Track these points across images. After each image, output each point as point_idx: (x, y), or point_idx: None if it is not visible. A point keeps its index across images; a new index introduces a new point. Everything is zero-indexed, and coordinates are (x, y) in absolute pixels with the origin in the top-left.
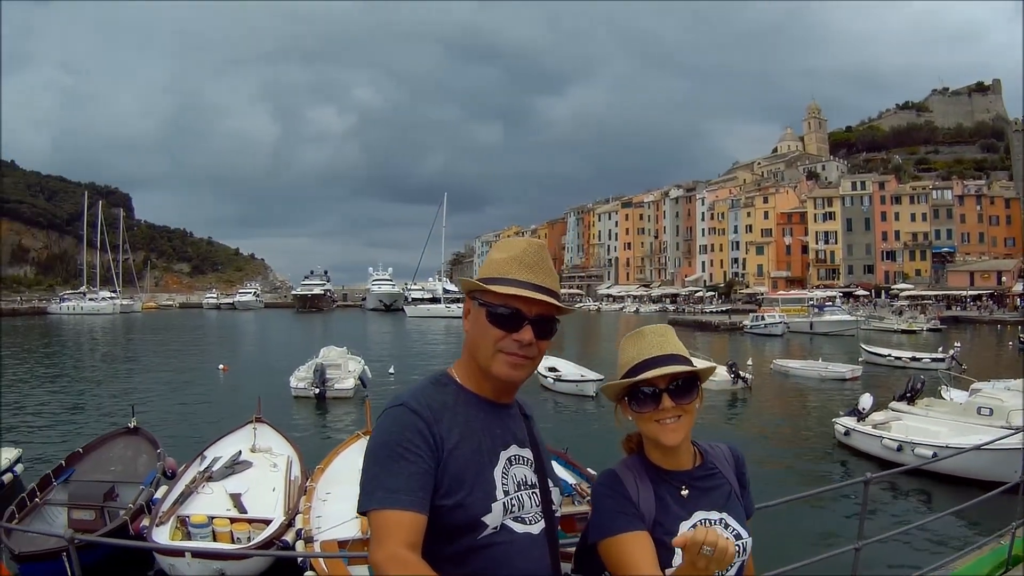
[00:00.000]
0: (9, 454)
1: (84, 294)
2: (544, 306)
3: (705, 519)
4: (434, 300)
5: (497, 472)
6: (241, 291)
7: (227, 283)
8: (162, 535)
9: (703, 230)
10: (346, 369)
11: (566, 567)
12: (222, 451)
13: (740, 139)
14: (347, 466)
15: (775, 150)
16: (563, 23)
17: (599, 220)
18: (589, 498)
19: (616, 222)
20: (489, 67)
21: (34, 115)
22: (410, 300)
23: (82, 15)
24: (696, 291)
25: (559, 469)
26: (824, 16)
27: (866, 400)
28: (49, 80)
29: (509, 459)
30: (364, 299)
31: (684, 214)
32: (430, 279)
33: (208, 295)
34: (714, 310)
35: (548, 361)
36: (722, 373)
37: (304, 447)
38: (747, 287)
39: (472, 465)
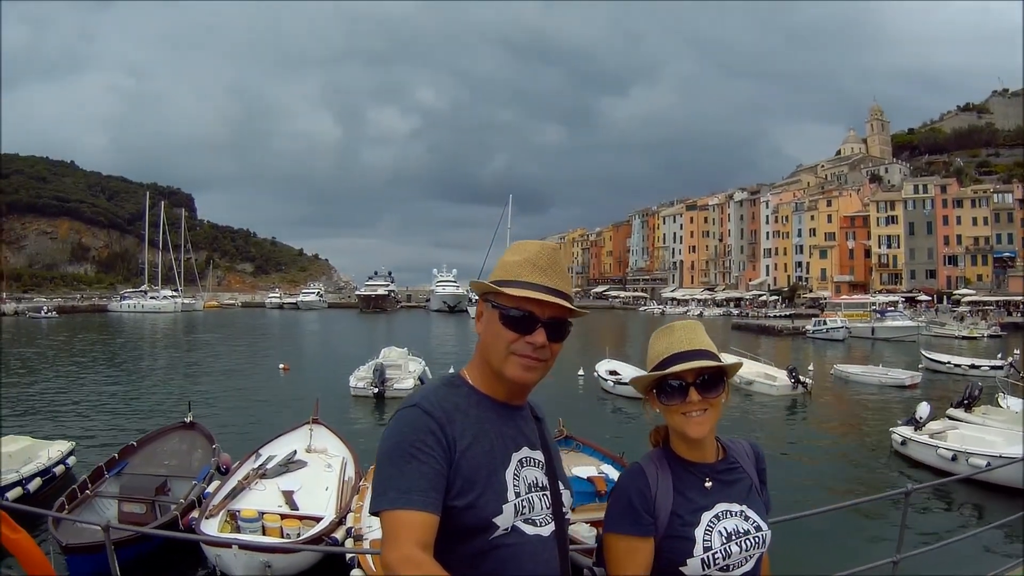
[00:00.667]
0: (61, 447)
1: (145, 292)
2: (557, 309)
3: (727, 510)
4: None
5: (508, 474)
6: (304, 291)
7: (291, 283)
8: (210, 528)
9: (767, 233)
10: (406, 370)
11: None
12: (277, 450)
13: (804, 141)
14: None
15: (838, 152)
16: (626, 24)
17: (664, 223)
18: None
19: (681, 225)
20: (552, 68)
21: (95, 117)
22: (474, 302)
23: (144, 18)
24: (760, 295)
25: (614, 473)
26: (882, 16)
27: (923, 409)
28: (110, 82)
29: (520, 461)
30: (428, 300)
31: (748, 217)
32: None
33: (271, 295)
34: (777, 314)
35: (609, 364)
36: (783, 378)
37: (360, 447)
38: (810, 291)
39: (484, 466)
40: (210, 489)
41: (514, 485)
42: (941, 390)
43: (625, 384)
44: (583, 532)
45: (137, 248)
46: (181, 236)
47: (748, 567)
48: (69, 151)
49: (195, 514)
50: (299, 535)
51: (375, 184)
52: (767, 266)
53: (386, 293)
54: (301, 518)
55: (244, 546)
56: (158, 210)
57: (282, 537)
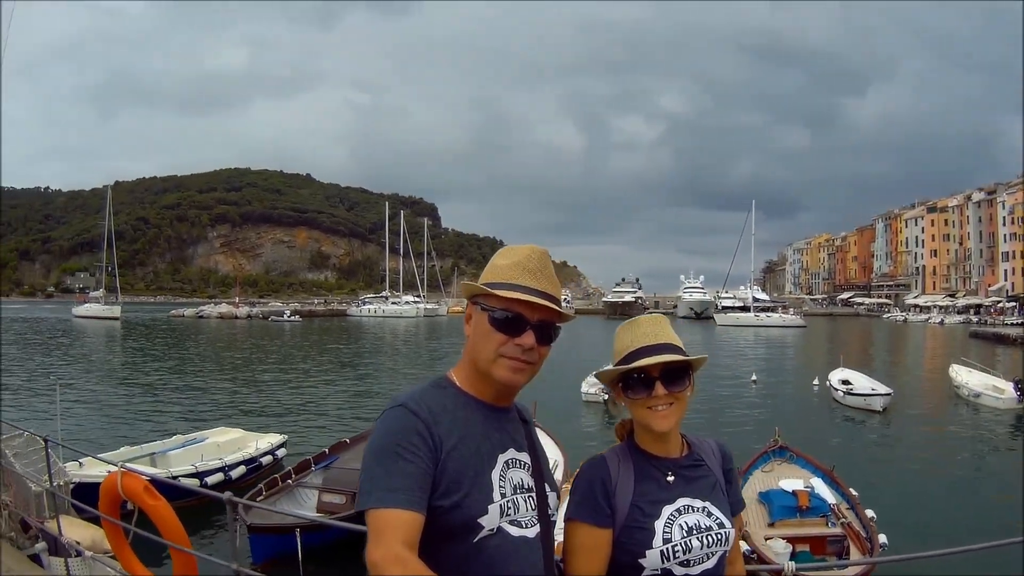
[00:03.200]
0: (272, 439)
1: (386, 298)
2: (546, 311)
3: (689, 505)
4: (744, 309)
5: (495, 474)
6: None
7: None
8: None
9: (1005, 235)
10: None
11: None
12: None
13: None
14: None
15: None
16: (858, 21)
17: (906, 226)
18: (843, 520)
19: (922, 228)
20: (790, 69)
21: (330, 131)
22: (720, 308)
23: (370, 36)
24: (999, 301)
25: (822, 487)
26: None
27: None
28: (343, 97)
29: (506, 462)
30: (675, 306)
31: (986, 219)
32: (741, 287)
33: None
34: (1014, 322)
35: (842, 373)
36: (1010, 391)
37: (578, 450)
38: None
39: (470, 467)
40: None
41: (499, 486)
42: None
43: (856, 395)
44: (778, 548)
45: (379, 256)
46: (424, 244)
47: (710, 564)
48: (305, 165)
49: None
50: None
51: (622, 191)
52: (1005, 271)
53: (633, 300)
54: None
55: None
56: (399, 219)
57: None
